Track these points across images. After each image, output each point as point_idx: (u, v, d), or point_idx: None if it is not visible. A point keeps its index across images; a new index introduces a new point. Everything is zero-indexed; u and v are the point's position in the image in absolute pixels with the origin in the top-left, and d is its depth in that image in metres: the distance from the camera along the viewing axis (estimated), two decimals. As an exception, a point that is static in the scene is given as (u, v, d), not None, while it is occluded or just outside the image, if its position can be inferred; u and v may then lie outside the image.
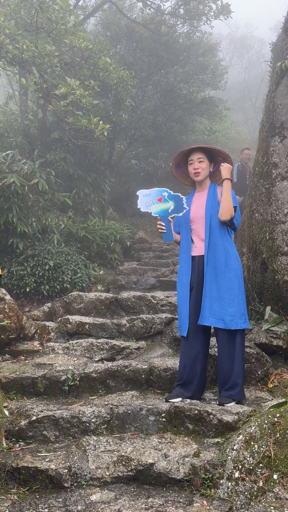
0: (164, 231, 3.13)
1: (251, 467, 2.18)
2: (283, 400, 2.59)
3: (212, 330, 3.23)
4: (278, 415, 2.28)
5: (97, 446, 2.57)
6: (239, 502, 2.12)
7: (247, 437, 2.30)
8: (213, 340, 3.42)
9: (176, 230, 3.32)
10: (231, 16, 8.84)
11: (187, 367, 3.13)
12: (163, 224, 3.13)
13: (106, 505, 2.17)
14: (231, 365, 3.02)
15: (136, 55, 9.65)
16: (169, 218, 3.13)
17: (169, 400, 3.02)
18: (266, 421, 2.29)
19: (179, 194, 3.12)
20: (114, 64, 6.42)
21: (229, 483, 2.22)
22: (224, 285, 3.07)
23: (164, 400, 3.08)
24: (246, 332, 3.53)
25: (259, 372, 3.41)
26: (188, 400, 3.02)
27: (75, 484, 2.38)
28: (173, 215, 3.12)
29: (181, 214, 3.12)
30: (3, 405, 3.03)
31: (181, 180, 3.51)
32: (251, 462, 2.19)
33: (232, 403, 2.94)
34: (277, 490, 2.05)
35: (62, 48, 6.07)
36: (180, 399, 3.05)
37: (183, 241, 3.29)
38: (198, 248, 3.20)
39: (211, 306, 3.04)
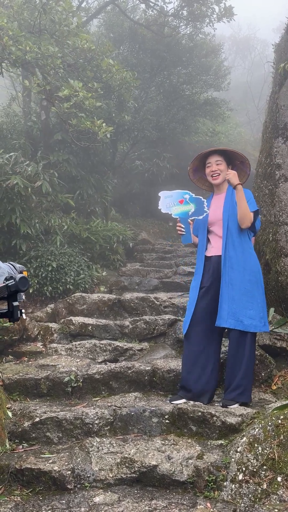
0: (183, 233, 3.16)
1: (255, 470, 2.17)
2: (287, 402, 2.58)
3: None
4: (282, 417, 2.27)
5: (100, 448, 2.57)
6: (243, 504, 2.11)
7: (250, 439, 2.29)
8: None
9: (195, 233, 3.34)
10: (234, 18, 8.85)
11: (188, 368, 3.12)
12: (182, 226, 3.15)
13: (110, 507, 2.17)
14: (239, 367, 3.01)
15: (139, 57, 9.66)
16: (189, 220, 3.14)
17: (172, 402, 3.02)
18: (269, 423, 2.28)
19: (200, 197, 3.14)
20: (117, 65, 6.42)
21: (233, 485, 2.21)
22: (243, 287, 3.04)
23: (169, 401, 3.07)
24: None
25: (263, 374, 3.40)
26: (192, 402, 3.01)
27: (78, 486, 2.38)
28: (193, 218, 3.14)
29: (201, 217, 3.13)
30: (7, 406, 3.03)
31: (199, 185, 3.51)
32: (255, 464, 2.19)
33: (236, 405, 2.93)
34: (281, 492, 2.04)
35: (65, 50, 6.08)
36: (183, 400, 3.04)
37: (199, 243, 3.31)
38: (215, 248, 3.20)
39: (229, 308, 3.01)
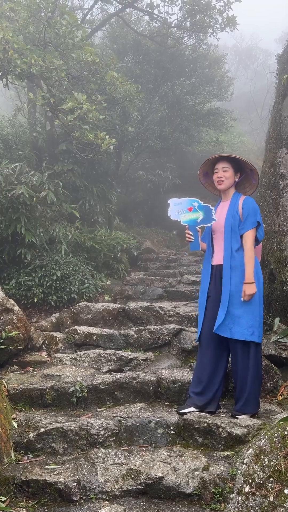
0: (192, 240, 3.19)
1: (261, 482, 2.16)
2: (293, 413, 2.57)
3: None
4: (288, 428, 2.25)
5: (105, 459, 2.56)
6: (249, 517, 2.09)
7: (257, 451, 2.28)
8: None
9: (203, 240, 3.37)
10: (237, 28, 8.94)
11: (199, 376, 3.14)
12: (191, 233, 3.19)
13: (115, 519, 2.16)
14: (245, 378, 3.00)
15: (143, 67, 9.76)
16: (197, 228, 3.19)
17: (180, 412, 3.03)
18: (276, 434, 2.27)
19: (209, 205, 3.19)
20: (120, 78, 6.48)
21: (239, 498, 2.19)
22: (239, 296, 3.06)
23: (175, 411, 3.07)
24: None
25: (268, 385, 3.38)
26: (197, 413, 3.00)
27: (84, 497, 2.37)
28: (201, 225, 3.18)
29: (209, 224, 3.19)
30: (12, 416, 3.03)
31: (210, 189, 3.55)
32: (262, 476, 2.17)
33: (244, 416, 2.92)
34: (288, 505, 2.03)
35: (70, 62, 6.16)
36: (192, 409, 3.05)
37: (206, 251, 3.35)
38: (217, 258, 3.23)
39: (225, 317, 3.04)
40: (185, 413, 2.97)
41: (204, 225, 3.19)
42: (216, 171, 3.29)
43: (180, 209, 3.20)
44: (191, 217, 3.18)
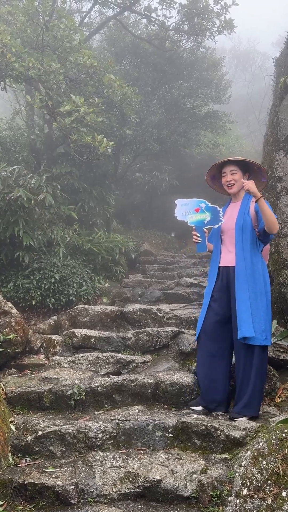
0: (199, 241, 3.18)
1: (259, 484, 2.15)
2: (291, 415, 2.57)
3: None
4: (286, 430, 2.25)
5: (104, 462, 2.55)
6: (247, 520, 2.09)
7: (255, 453, 2.28)
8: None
9: (210, 241, 3.38)
10: (235, 31, 8.99)
11: (199, 375, 3.22)
12: (198, 234, 3.18)
13: (113, 523, 2.15)
14: (247, 380, 3.01)
15: (140, 70, 9.79)
16: (204, 229, 3.18)
17: (192, 408, 3.16)
18: (274, 437, 2.27)
19: (216, 206, 3.18)
20: (118, 81, 6.50)
21: (238, 501, 2.19)
22: (248, 299, 3.05)
23: (188, 407, 3.20)
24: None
25: (266, 387, 3.38)
26: (195, 415, 3.00)
27: (82, 501, 2.36)
28: (208, 226, 3.17)
29: (216, 226, 3.18)
30: (10, 419, 3.03)
31: (219, 191, 3.55)
32: (260, 479, 2.17)
33: (243, 419, 2.92)
34: (286, 508, 2.02)
35: (67, 66, 6.17)
36: (200, 407, 3.13)
37: (213, 251, 3.35)
38: (225, 259, 3.23)
39: (239, 323, 3.04)
40: (196, 411, 3.11)
41: (211, 226, 3.18)
42: (224, 174, 3.29)
43: (187, 210, 3.19)
44: (198, 218, 3.17)
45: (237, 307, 3.05)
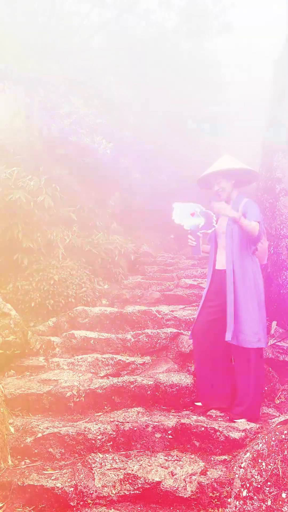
0: (193, 244, 3.21)
1: (259, 486, 2.15)
2: (291, 416, 2.57)
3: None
4: (285, 431, 2.25)
5: (103, 464, 2.55)
6: (247, 521, 2.09)
7: (254, 455, 2.28)
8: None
9: (208, 242, 3.41)
10: (233, 32, 9.03)
11: (196, 374, 3.26)
12: (193, 238, 3.20)
13: (113, 525, 2.15)
14: (246, 382, 3.01)
15: (139, 72, 9.82)
16: (198, 233, 3.20)
17: (195, 404, 3.21)
18: (273, 438, 2.27)
19: (210, 211, 3.19)
20: (117, 82, 6.52)
21: (237, 502, 2.19)
22: (241, 301, 3.06)
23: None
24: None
25: (266, 388, 3.38)
26: (195, 417, 3.00)
27: (81, 503, 2.36)
28: (203, 231, 3.19)
29: (210, 231, 3.20)
30: (9, 421, 3.02)
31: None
32: (259, 480, 2.17)
33: (242, 420, 2.92)
34: (286, 509, 2.02)
35: (66, 67, 6.19)
36: (200, 403, 3.20)
37: (209, 254, 3.39)
38: (220, 262, 3.27)
39: (233, 323, 3.05)
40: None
41: (205, 231, 3.20)
42: (212, 185, 3.32)
43: (184, 214, 3.21)
44: (194, 223, 3.19)
45: (227, 310, 3.08)
